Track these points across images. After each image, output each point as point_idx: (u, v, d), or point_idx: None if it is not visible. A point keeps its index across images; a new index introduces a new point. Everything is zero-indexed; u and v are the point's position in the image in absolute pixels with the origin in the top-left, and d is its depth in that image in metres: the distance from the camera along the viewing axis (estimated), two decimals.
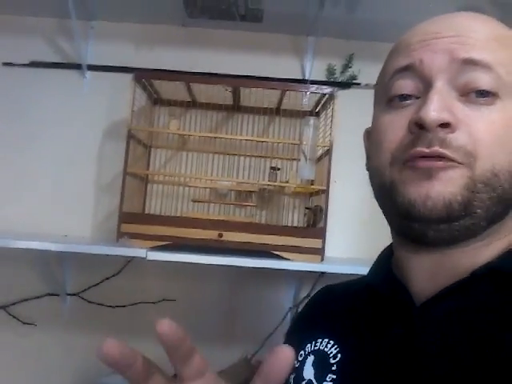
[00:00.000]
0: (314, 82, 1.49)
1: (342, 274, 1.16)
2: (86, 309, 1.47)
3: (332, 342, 0.59)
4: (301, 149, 1.30)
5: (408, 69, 0.52)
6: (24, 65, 1.53)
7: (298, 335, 0.66)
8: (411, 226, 0.51)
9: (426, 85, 0.51)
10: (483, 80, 0.49)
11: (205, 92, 1.40)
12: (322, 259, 1.21)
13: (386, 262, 0.61)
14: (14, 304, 1.48)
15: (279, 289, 1.49)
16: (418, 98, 0.52)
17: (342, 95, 1.30)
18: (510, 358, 0.44)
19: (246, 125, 1.49)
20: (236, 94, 1.39)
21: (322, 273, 1.42)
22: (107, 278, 1.46)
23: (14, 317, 1.48)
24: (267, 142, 1.41)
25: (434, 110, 0.48)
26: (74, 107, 1.52)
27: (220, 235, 1.21)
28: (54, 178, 1.50)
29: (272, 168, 1.41)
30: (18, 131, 1.52)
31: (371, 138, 0.58)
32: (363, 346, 0.56)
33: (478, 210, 0.48)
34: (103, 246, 1.21)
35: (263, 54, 1.54)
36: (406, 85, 0.53)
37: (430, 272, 0.53)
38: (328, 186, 1.23)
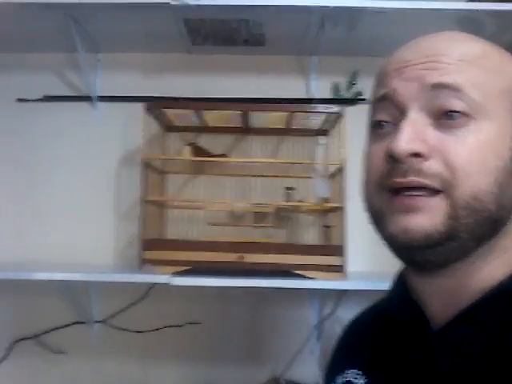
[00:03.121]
0: (319, 101, 1.52)
1: (365, 290, 1.17)
2: (113, 335, 1.49)
3: (360, 372, 0.61)
4: (315, 168, 1.32)
5: (385, 98, 0.54)
6: (37, 100, 1.56)
7: (330, 369, 0.69)
8: (398, 253, 0.53)
9: (401, 113, 0.52)
10: (454, 102, 0.50)
11: (215, 116, 1.42)
12: (345, 276, 1.23)
13: (402, 285, 0.61)
14: (43, 334, 1.50)
15: (303, 307, 1.50)
16: (396, 124, 0.53)
17: (349, 112, 1.33)
18: None
19: (257, 146, 1.52)
20: (245, 117, 1.42)
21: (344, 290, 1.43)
22: (133, 304, 1.48)
23: (45, 346, 1.50)
24: (281, 162, 1.43)
25: (402, 141, 0.49)
26: (88, 138, 1.56)
27: (241, 257, 1.22)
28: (74, 208, 1.54)
29: (287, 188, 1.43)
30: (36, 164, 1.56)
31: (363, 162, 0.59)
32: (387, 374, 0.58)
33: (462, 234, 0.49)
34: (128, 274, 1.24)
35: (268, 75, 1.58)
36: (384, 113, 0.55)
37: (440, 295, 0.54)
38: (344, 203, 1.25)
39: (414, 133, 0.50)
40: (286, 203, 1.40)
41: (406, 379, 0.54)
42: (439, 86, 0.50)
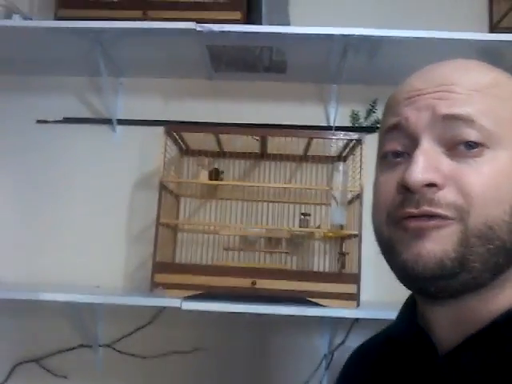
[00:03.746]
0: (338, 128, 1.52)
1: (377, 319, 1.14)
2: (118, 360, 1.46)
3: None
4: (331, 194, 1.31)
5: (396, 127, 0.54)
6: (57, 121, 1.58)
7: None
8: (411, 284, 0.52)
9: (414, 142, 0.51)
10: (467, 133, 0.49)
11: (233, 142, 1.43)
12: (358, 305, 1.20)
13: (410, 311, 0.60)
14: (46, 357, 1.48)
15: (314, 336, 1.46)
16: (409, 154, 0.52)
17: (367, 139, 1.32)
18: None
19: (273, 172, 1.51)
20: (263, 143, 1.42)
21: (357, 318, 1.40)
22: (138, 329, 1.46)
23: (47, 370, 1.47)
24: (298, 188, 1.43)
25: (417, 172, 0.48)
26: (105, 160, 1.57)
27: (253, 283, 1.20)
28: (87, 230, 1.53)
29: (302, 214, 1.41)
30: (52, 184, 1.57)
31: (372, 192, 0.58)
32: None
33: (475, 264, 0.48)
34: (138, 297, 1.22)
35: (288, 102, 1.58)
36: (395, 143, 0.54)
37: (448, 322, 0.53)
38: (360, 231, 1.23)
39: (428, 162, 0.49)
40: (300, 229, 1.39)
41: None
42: (451, 118, 0.50)
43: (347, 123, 1.56)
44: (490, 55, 1.34)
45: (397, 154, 0.54)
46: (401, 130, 0.53)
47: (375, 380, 0.61)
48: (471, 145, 0.49)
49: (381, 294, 1.40)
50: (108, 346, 1.47)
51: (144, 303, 1.21)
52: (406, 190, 0.50)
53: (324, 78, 1.54)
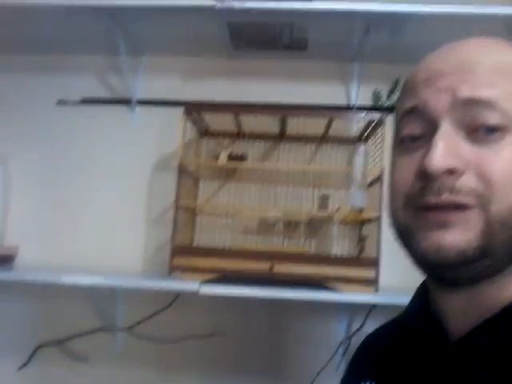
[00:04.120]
0: (360, 108, 1.48)
1: (396, 304, 1.12)
2: (136, 344, 1.47)
3: (374, 383, 0.61)
4: (351, 176, 1.28)
5: (414, 110, 0.52)
6: (75, 102, 1.58)
7: (344, 381, 0.69)
8: (428, 270, 0.53)
9: (433, 126, 0.50)
10: (489, 117, 0.47)
11: (252, 122, 1.40)
12: (377, 290, 1.18)
13: (422, 298, 0.60)
14: (66, 340, 1.50)
15: (331, 321, 1.45)
16: (427, 138, 0.51)
17: (389, 120, 1.28)
18: None
19: (293, 153, 1.48)
20: (283, 123, 1.39)
21: (375, 304, 1.38)
22: (156, 313, 1.46)
23: (68, 352, 1.50)
24: (318, 170, 1.40)
25: (438, 158, 0.47)
26: (125, 142, 1.56)
27: (271, 267, 1.19)
28: (106, 213, 1.53)
29: (321, 197, 1.39)
30: (71, 166, 1.57)
31: (388, 176, 0.57)
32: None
33: (496, 251, 0.47)
34: (156, 281, 1.22)
35: (308, 81, 1.54)
36: (414, 126, 0.52)
37: (461, 309, 0.52)
38: (381, 214, 1.21)
39: (447, 148, 0.48)
40: (319, 212, 1.37)
41: None
42: (472, 101, 0.48)
43: (369, 103, 1.52)
44: None
45: (414, 138, 0.52)
46: (419, 114, 0.51)
47: (386, 366, 0.60)
48: (492, 129, 0.47)
49: (400, 279, 1.37)
50: (127, 329, 1.48)
51: (162, 287, 1.22)
52: (425, 176, 0.49)
53: (346, 56, 1.50)
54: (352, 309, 1.42)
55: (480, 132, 0.48)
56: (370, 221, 1.29)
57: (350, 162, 1.45)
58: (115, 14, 1.35)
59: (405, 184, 0.52)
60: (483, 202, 0.46)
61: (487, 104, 0.48)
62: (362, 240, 1.33)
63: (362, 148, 1.30)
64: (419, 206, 0.50)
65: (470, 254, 0.47)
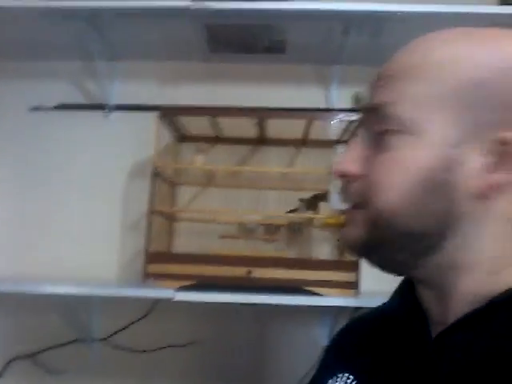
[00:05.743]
0: (338, 111, 1.46)
1: None
2: (113, 354, 1.42)
3: (351, 377, 0.58)
4: (332, 179, 1.26)
5: None
6: (50, 108, 1.54)
7: (321, 371, 0.68)
8: None
9: None
10: (381, 124, 0.49)
11: (230, 126, 1.37)
12: (358, 293, 1.15)
13: (407, 288, 0.59)
14: (40, 352, 1.43)
15: (312, 326, 1.42)
16: None
17: None
18: None
19: (272, 157, 1.46)
20: (262, 127, 1.37)
21: (357, 308, 1.35)
22: (133, 322, 1.41)
23: (41, 365, 1.43)
24: (298, 173, 1.37)
25: (337, 164, 0.53)
26: (100, 147, 1.52)
27: (249, 272, 1.16)
28: (80, 219, 1.49)
29: (300, 200, 1.36)
30: (44, 172, 1.52)
31: None
32: (379, 380, 0.55)
33: (386, 245, 0.50)
34: (129, 289, 1.18)
35: (288, 84, 1.52)
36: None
37: (434, 304, 0.52)
38: None
39: (351, 154, 0.52)
40: (299, 216, 1.34)
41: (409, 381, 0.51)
42: (368, 109, 0.52)
43: (348, 106, 1.50)
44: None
45: None
46: None
47: (365, 358, 0.59)
48: (382, 135, 0.49)
49: (381, 282, 1.34)
50: (103, 340, 1.43)
51: (136, 294, 1.17)
52: None
53: (325, 59, 1.48)
54: (333, 313, 1.39)
55: (375, 138, 0.50)
56: None
57: (330, 165, 1.43)
58: (89, 18, 1.32)
59: None
60: (366, 202, 0.50)
61: (378, 110, 0.49)
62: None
63: (340, 150, 1.27)
64: None
65: (363, 247, 0.52)
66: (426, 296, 0.54)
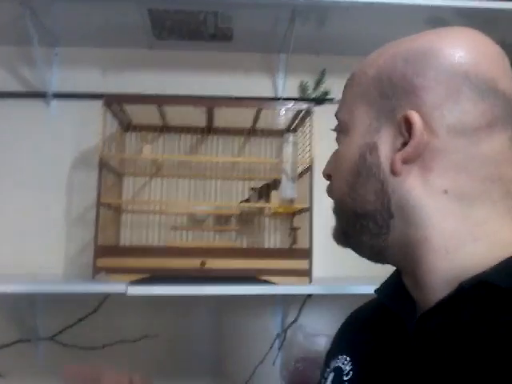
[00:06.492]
0: (287, 100, 1.47)
1: (331, 294, 1.12)
2: (61, 353, 1.37)
3: (348, 358, 0.63)
4: (281, 168, 1.26)
5: None
6: None
7: (328, 354, 0.71)
8: None
9: None
10: (337, 126, 0.60)
11: (177, 115, 1.35)
12: (310, 281, 1.17)
13: (396, 276, 0.61)
14: None
15: (266, 315, 1.43)
16: None
17: (317, 111, 1.27)
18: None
19: (221, 146, 1.45)
20: (210, 116, 1.35)
21: (309, 295, 1.38)
22: (80, 320, 1.37)
23: None
24: (247, 162, 1.37)
25: (325, 166, 0.62)
26: (41, 138, 1.45)
27: (203, 263, 1.15)
28: (22, 214, 1.42)
29: (252, 189, 1.37)
30: None
31: None
32: (370, 363, 0.58)
33: (350, 228, 0.57)
34: (79, 285, 1.14)
35: (234, 73, 1.51)
36: None
37: (411, 287, 0.55)
38: (311, 204, 1.19)
39: (330, 158, 0.62)
40: (249, 205, 1.34)
41: (386, 371, 0.54)
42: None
43: (295, 94, 1.51)
44: (440, 23, 1.31)
45: None
46: None
47: (361, 342, 0.63)
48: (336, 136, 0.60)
49: (333, 269, 1.38)
50: (50, 339, 1.37)
51: (86, 290, 1.13)
52: None
53: (272, 47, 1.48)
54: (286, 301, 1.41)
55: None
56: (301, 212, 1.28)
57: (279, 154, 1.44)
58: (26, 1, 1.24)
59: None
60: (331, 194, 0.60)
61: (336, 116, 0.59)
62: (293, 231, 1.32)
63: (291, 138, 1.28)
64: None
65: (339, 236, 0.60)
66: (408, 284, 0.56)
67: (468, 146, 0.49)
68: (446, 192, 0.50)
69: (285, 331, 1.42)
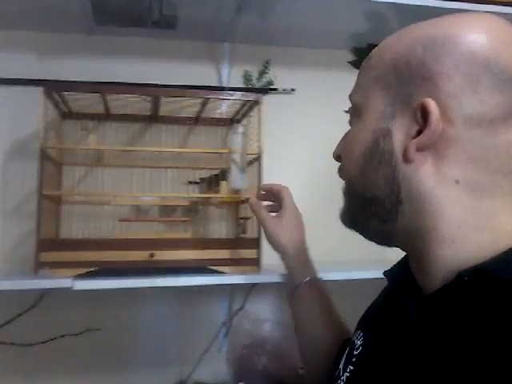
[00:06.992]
0: (231, 89, 1.46)
1: (278, 282, 1.14)
2: None
3: (362, 333, 0.66)
4: (231, 158, 1.26)
5: None
6: None
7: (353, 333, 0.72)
8: None
9: None
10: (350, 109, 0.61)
11: (120, 103, 1.31)
12: (259, 270, 1.18)
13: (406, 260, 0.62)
14: None
15: (212, 303, 1.44)
16: None
17: (265, 100, 1.27)
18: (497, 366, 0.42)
19: (165, 136, 1.42)
20: (154, 104, 1.32)
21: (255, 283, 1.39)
22: (20, 315, 1.30)
23: None
24: (195, 152, 1.36)
25: (336, 147, 0.63)
26: None
27: (151, 255, 1.13)
28: None
29: (201, 179, 1.35)
30: None
31: None
32: (374, 342, 0.61)
33: (358, 211, 0.58)
34: (21, 280, 1.07)
35: (178, 61, 1.49)
36: None
37: (417, 273, 0.56)
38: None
39: (340, 140, 0.63)
40: (196, 195, 1.33)
41: (388, 350, 0.56)
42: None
43: (240, 84, 1.51)
44: (378, 18, 1.34)
45: None
46: None
47: (372, 318, 0.68)
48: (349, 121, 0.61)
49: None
50: None
51: (29, 286, 1.07)
52: None
53: (216, 36, 1.46)
54: (232, 290, 1.41)
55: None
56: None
57: (224, 144, 1.43)
58: None
59: None
60: (342, 176, 0.61)
61: (350, 98, 0.60)
62: (243, 220, 1.32)
63: (240, 129, 1.28)
64: None
65: (347, 218, 0.61)
66: (413, 269, 0.57)
67: (483, 137, 0.49)
68: (457, 182, 0.49)
69: (230, 319, 1.42)
